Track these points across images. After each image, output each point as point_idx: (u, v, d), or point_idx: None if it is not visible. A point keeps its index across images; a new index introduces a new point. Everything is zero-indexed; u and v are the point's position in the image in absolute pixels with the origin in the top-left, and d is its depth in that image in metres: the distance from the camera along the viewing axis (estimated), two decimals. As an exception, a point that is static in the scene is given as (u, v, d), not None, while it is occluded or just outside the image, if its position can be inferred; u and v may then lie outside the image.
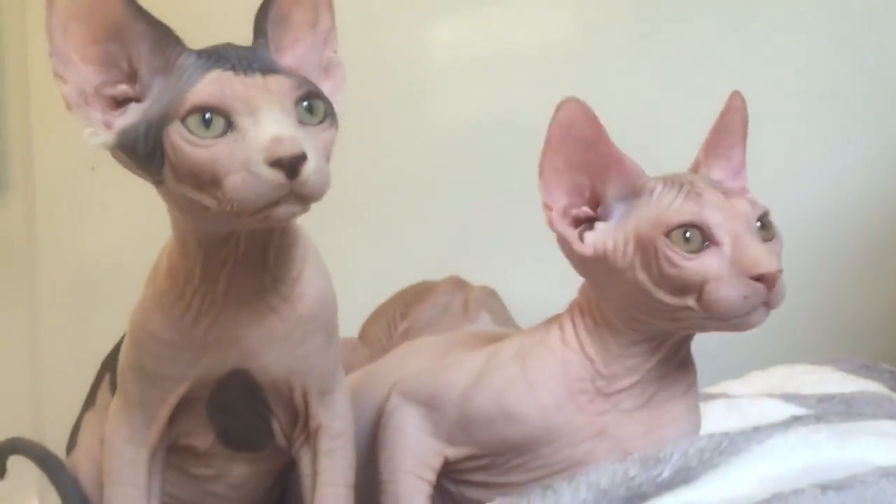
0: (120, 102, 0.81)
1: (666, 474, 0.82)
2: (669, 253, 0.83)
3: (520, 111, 1.64)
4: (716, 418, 1.15)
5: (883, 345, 1.66)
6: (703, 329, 0.88)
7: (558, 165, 0.89)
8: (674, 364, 0.91)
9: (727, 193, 0.86)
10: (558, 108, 0.87)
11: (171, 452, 0.98)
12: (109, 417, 0.97)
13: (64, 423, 1.14)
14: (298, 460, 0.99)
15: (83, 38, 0.79)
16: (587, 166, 0.89)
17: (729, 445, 0.85)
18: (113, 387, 1.00)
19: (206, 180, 0.77)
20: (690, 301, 0.83)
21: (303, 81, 0.82)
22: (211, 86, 0.78)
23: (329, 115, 0.83)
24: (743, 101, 0.94)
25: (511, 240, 1.75)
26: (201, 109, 0.77)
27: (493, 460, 0.94)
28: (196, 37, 0.83)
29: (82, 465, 1.07)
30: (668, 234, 0.84)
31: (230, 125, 0.77)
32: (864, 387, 1.30)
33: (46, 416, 2.03)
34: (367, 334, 1.70)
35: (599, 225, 0.90)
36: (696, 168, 0.94)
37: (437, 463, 0.96)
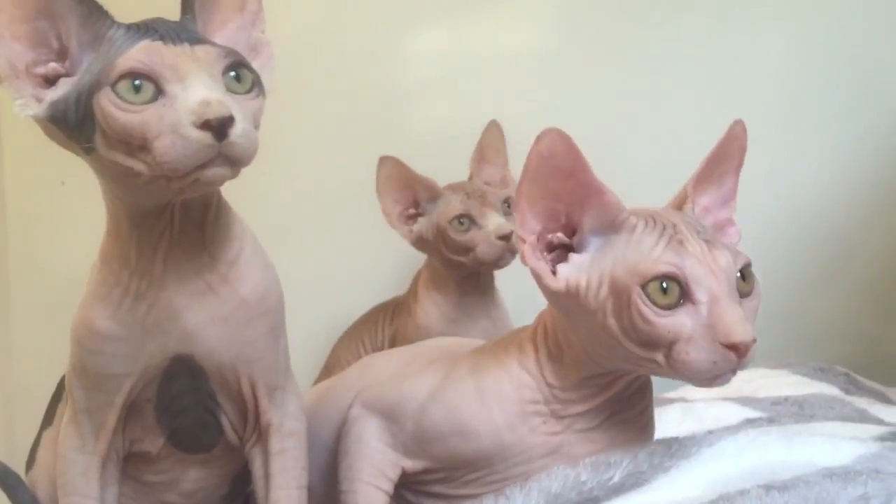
0: (50, 79, 0.83)
1: (617, 478, 0.83)
2: (643, 307, 0.80)
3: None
4: (671, 423, 1.17)
5: (841, 348, 1.68)
6: (665, 377, 0.84)
7: (534, 194, 0.85)
8: (632, 390, 0.90)
9: (710, 243, 0.82)
10: (539, 138, 0.82)
11: (126, 462, 0.98)
12: (61, 429, 0.97)
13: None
14: (251, 461, 0.99)
15: (13, 15, 0.81)
16: (564, 193, 0.85)
17: (679, 449, 0.86)
18: None
19: (136, 145, 0.79)
20: (658, 356, 0.80)
21: (229, 52, 0.84)
22: (140, 53, 0.80)
23: (256, 86, 0.85)
24: (744, 129, 0.89)
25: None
26: (130, 75, 0.79)
27: (450, 474, 0.94)
28: (127, 14, 0.85)
29: (41, 481, 1.07)
30: (644, 284, 0.80)
31: (159, 91, 0.79)
32: (818, 389, 1.32)
33: (18, 431, 2.02)
34: (336, 356, 1.70)
35: (574, 257, 0.86)
36: (681, 202, 0.89)
37: (394, 474, 0.96)
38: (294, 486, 0.97)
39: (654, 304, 0.80)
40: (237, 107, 0.80)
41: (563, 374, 0.89)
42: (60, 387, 1.09)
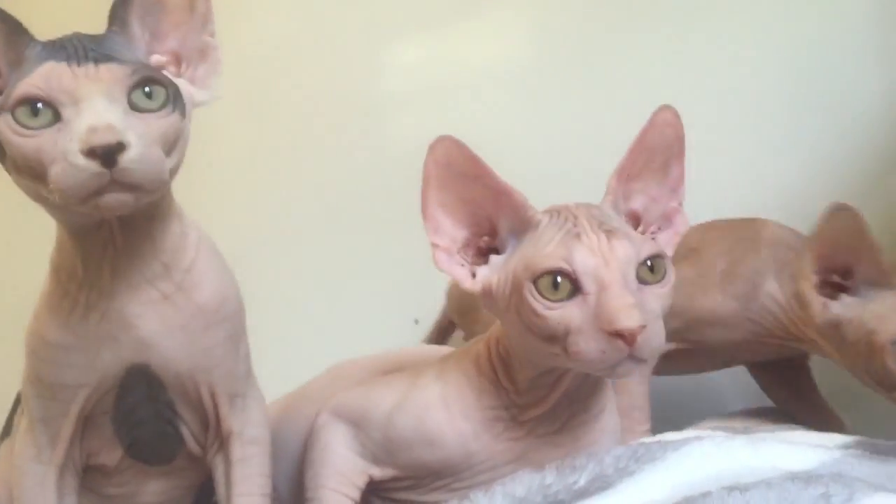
0: None
1: (582, 482, 0.83)
2: (533, 302, 0.81)
3: (477, 132, 1.65)
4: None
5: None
6: (580, 370, 0.85)
7: (447, 201, 0.87)
8: (585, 389, 0.91)
9: (611, 233, 0.82)
10: (432, 147, 0.86)
11: (85, 474, 0.97)
12: (17, 439, 0.96)
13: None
14: (214, 469, 0.98)
15: None
16: (479, 198, 0.87)
17: (645, 453, 0.86)
18: None
19: (37, 171, 0.79)
20: (557, 349, 0.81)
21: (140, 68, 0.82)
22: (38, 78, 0.79)
23: (171, 102, 0.83)
24: (674, 115, 0.88)
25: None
26: (27, 100, 0.79)
27: (417, 481, 0.94)
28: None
29: None
30: (535, 280, 0.81)
31: (58, 116, 0.79)
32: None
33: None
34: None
35: (493, 258, 0.88)
36: (607, 194, 0.89)
37: (361, 481, 0.96)
38: (257, 493, 0.96)
39: (545, 298, 0.81)
40: (140, 127, 0.79)
41: (513, 377, 0.90)
42: (18, 398, 1.07)
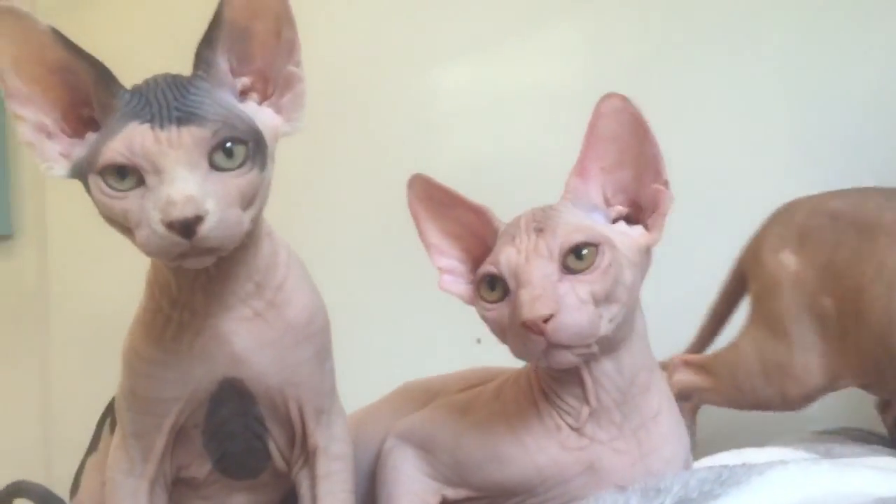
0: (87, 124, 0.85)
1: (667, 504, 0.82)
2: (477, 306, 0.88)
3: (528, 152, 1.65)
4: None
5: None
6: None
7: (444, 226, 0.94)
8: (625, 389, 0.89)
9: (540, 232, 0.86)
10: (410, 186, 0.94)
11: (173, 488, 0.99)
12: (110, 453, 0.98)
13: (74, 469, 1.15)
14: (298, 485, 0.99)
15: (38, 72, 0.83)
16: (467, 221, 0.93)
17: (730, 477, 0.84)
18: (114, 429, 1.00)
19: (125, 227, 0.82)
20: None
21: (222, 127, 0.82)
22: (122, 143, 0.80)
23: (251, 158, 0.83)
24: (622, 100, 0.88)
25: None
26: (113, 167, 0.81)
27: (492, 501, 0.94)
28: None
29: None
30: (478, 285, 0.88)
31: (142, 181, 0.80)
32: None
33: (57, 462, 2.04)
34: None
35: None
36: (566, 192, 0.92)
37: (435, 501, 0.96)
38: None
39: (485, 300, 0.87)
40: (219, 189, 0.80)
41: (548, 382, 0.91)
42: (105, 414, 1.10)
